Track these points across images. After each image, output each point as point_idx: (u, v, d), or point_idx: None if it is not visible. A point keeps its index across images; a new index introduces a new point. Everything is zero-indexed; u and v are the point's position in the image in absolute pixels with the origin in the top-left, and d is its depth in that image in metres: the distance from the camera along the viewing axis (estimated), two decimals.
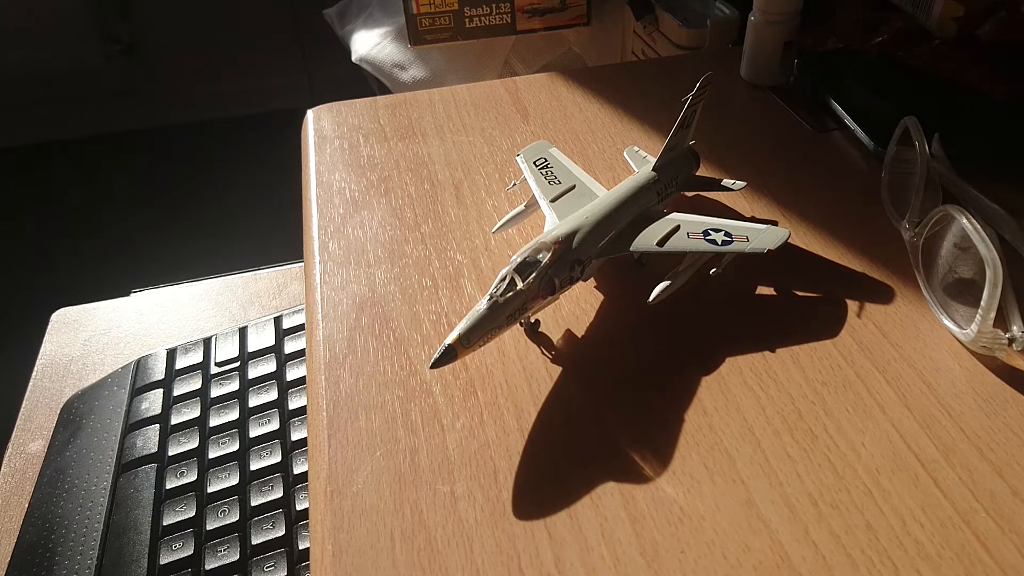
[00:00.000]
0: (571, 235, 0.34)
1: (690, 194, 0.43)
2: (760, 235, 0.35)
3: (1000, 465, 0.29)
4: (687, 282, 0.36)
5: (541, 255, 0.32)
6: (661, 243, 0.35)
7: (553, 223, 0.37)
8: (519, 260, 0.32)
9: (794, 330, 0.35)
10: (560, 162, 0.42)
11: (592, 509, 0.29)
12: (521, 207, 0.41)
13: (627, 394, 0.33)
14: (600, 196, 0.38)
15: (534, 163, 0.42)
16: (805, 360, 0.33)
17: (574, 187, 0.40)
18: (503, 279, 0.31)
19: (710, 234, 0.35)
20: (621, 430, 0.31)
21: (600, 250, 0.35)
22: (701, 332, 0.35)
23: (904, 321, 0.35)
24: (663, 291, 0.35)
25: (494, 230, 0.40)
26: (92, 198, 1.66)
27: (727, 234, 0.35)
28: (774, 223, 0.40)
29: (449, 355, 0.29)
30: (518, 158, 0.43)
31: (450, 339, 0.30)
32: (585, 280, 0.35)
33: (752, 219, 0.42)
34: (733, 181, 0.42)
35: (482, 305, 0.31)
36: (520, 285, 0.31)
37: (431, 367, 0.30)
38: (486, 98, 0.54)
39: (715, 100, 0.52)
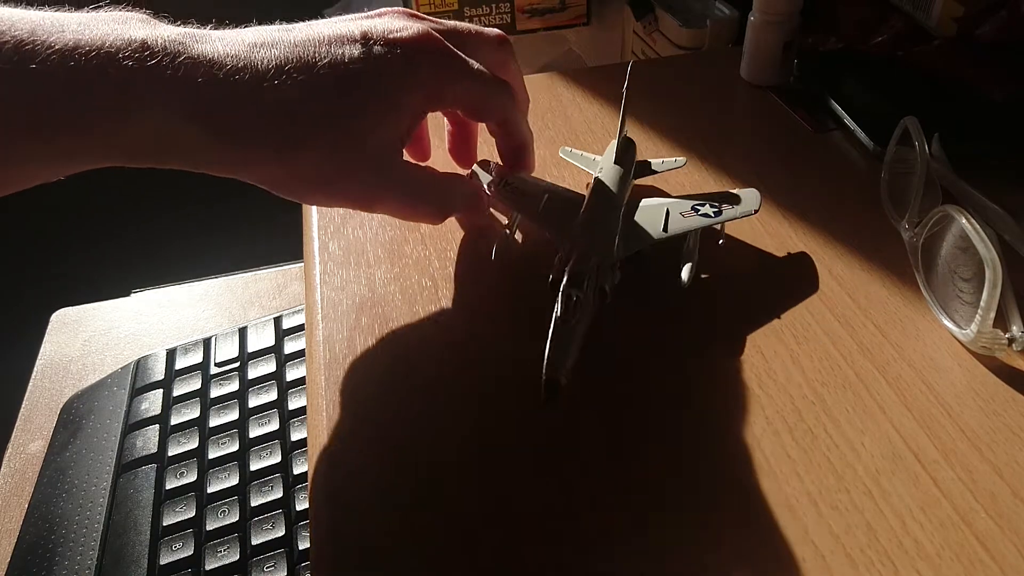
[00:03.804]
0: (597, 241, 0.34)
1: (647, 181, 0.43)
2: (741, 201, 0.37)
3: (1000, 465, 0.29)
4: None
5: (584, 266, 0.32)
6: (664, 229, 0.36)
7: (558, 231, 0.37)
8: (568, 277, 0.32)
9: (794, 330, 0.35)
10: (526, 179, 0.41)
11: (592, 509, 0.29)
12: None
13: (626, 395, 0.33)
14: (588, 198, 0.38)
15: (506, 183, 0.41)
16: (805, 360, 0.33)
17: (555, 195, 0.39)
18: (567, 297, 0.31)
19: (699, 209, 0.36)
20: (620, 431, 0.31)
21: (625, 248, 0.35)
22: (699, 333, 0.35)
23: (904, 321, 0.35)
24: (691, 270, 0.35)
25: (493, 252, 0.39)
26: (92, 198, 1.66)
27: (712, 205, 0.37)
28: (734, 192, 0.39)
29: (552, 388, 0.29)
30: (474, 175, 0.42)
31: (549, 372, 0.29)
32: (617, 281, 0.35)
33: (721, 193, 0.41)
34: (675, 159, 0.43)
35: (558, 328, 0.30)
36: (581, 297, 0.31)
37: (544, 403, 0.30)
38: None
39: (715, 100, 0.52)
